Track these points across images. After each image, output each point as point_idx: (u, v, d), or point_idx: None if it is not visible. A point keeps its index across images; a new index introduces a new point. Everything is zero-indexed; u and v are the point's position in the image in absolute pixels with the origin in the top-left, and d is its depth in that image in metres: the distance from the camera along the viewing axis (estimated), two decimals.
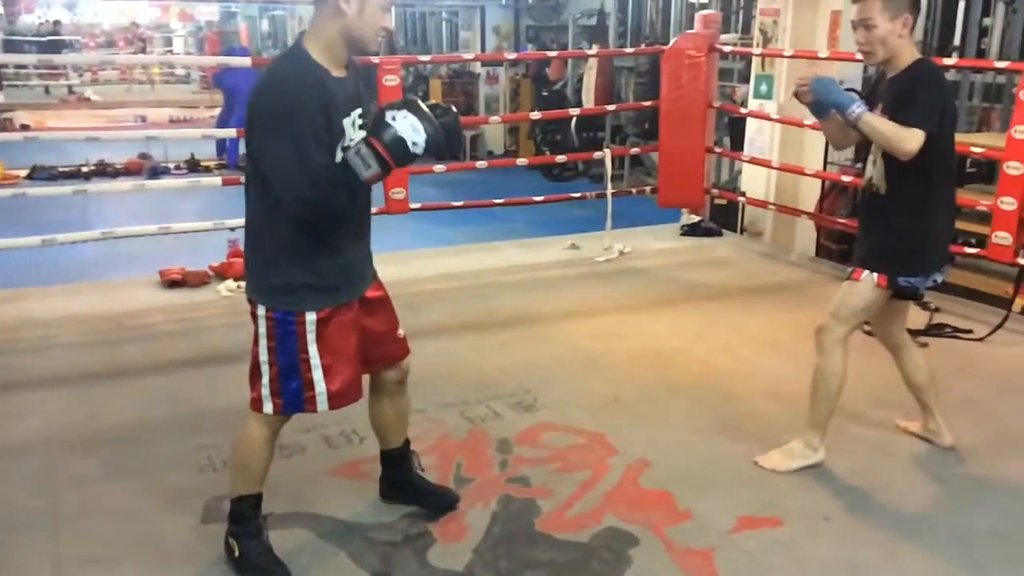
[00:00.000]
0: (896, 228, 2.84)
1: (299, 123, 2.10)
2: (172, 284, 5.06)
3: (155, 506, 2.83)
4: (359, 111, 2.28)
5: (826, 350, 2.92)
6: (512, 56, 10.02)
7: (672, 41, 6.23)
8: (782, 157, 6.04)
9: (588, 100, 10.37)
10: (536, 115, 8.12)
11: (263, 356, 2.34)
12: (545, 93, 11.32)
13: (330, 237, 2.29)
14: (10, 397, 3.63)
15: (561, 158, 7.30)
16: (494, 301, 4.91)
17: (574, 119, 9.92)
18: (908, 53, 2.76)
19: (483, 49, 12.48)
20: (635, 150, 7.73)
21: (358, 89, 2.31)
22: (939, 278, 2.96)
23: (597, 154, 5.97)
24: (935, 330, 4.36)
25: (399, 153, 2.09)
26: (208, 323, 4.55)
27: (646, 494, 2.90)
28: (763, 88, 6.29)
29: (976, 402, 3.62)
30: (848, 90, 2.95)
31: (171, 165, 10.76)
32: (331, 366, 2.34)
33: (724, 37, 7.34)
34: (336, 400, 2.38)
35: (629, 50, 9.34)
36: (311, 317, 2.30)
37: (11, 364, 3.98)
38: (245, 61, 6.76)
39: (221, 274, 5.15)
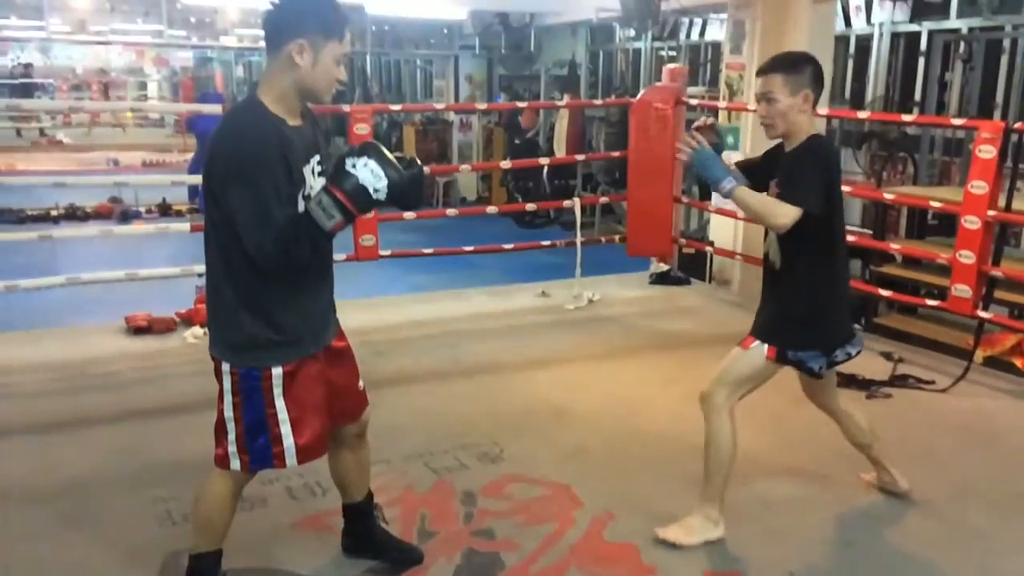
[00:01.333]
0: (788, 302, 2.81)
1: (260, 177, 2.09)
2: (138, 331, 5.01)
3: (112, 561, 2.76)
4: (317, 158, 2.27)
5: (711, 418, 2.87)
6: (484, 106, 10.16)
7: (640, 93, 6.35)
8: None
9: (560, 149, 10.50)
10: (507, 164, 8.19)
11: (228, 412, 2.31)
12: (517, 141, 11.44)
13: (292, 289, 2.27)
14: None
15: (531, 206, 7.35)
16: (462, 349, 4.90)
17: (546, 167, 10.02)
18: (806, 128, 2.74)
19: (457, 97, 12.60)
20: (605, 199, 7.82)
21: (315, 136, 2.31)
22: (852, 350, 2.88)
23: (567, 202, 6.03)
24: (899, 381, 4.42)
25: (361, 201, 2.08)
26: (174, 371, 4.50)
27: (611, 548, 2.88)
28: (729, 140, 6.41)
29: (937, 452, 3.65)
30: (738, 163, 2.98)
31: (142, 209, 10.70)
32: (299, 420, 2.31)
33: (691, 90, 7.48)
34: (304, 454, 2.34)
35: (599, 101, 9.49)
36: (277, 371, 2.27)
37: None
38: (216, 108, 6.79)
39: (188, 320, 5.11)
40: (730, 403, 2.88)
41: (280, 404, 2.28)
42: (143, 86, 24.34)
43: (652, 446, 3.66)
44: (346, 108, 5.47)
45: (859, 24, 7.90)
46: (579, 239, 5.97)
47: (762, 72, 2.73)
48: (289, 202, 2.16)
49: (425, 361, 4.69)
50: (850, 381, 4.31)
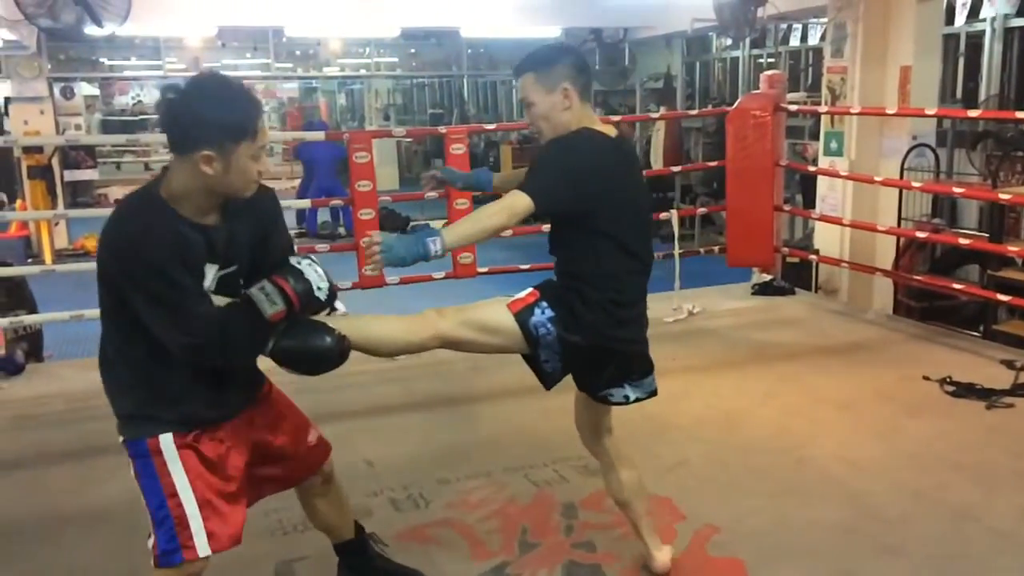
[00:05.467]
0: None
1: (157, 281, 1.88)
2: None
3: (228, 570, 2.87)
4: (215, 268, 2.02)
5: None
6: None
7: (737, 102, 6.25)
8: (855, 214, 5.95)
9: (656, 161, 10.43)
10: None
11: (143, 500, 2.06)
12: None
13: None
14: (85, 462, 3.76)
15: None
16: None
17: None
18: (575, 125, 2.37)
19: None
20: (703, 210, 7.71)
21: (229, 237, 2.02)
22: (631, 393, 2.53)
23: (665, 215, 5.98)
24: (1021, 390, 4.18)
25: (304, 293, 2.00)
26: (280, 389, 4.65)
27: (715, 562, 2.83)
28: (833, 145, 6.24)
29: None
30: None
31: None
32: (207, 501, 2.05)
33: (791, 96, 7.33)
34: (218, 541, 2.06)
35: (694, 112, 9.39)
36: (166, 440, 2.02)
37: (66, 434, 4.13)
38: (320, 135, 7.09)
39: None
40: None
41: (181, 481, 2.02)
42: None
43: (755, 459, 3.57)
44: (442, 129, 5.58)
45: (964, 20, 7.56)
46: (677, 251, 5.90)
47: (516, 74, 2.43)
48: (204, 296, 1.98)
49: (524, 375, 4.69)
50: (969, 391, 4.12)
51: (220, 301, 2.02)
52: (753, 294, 6.22)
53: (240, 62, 14.03)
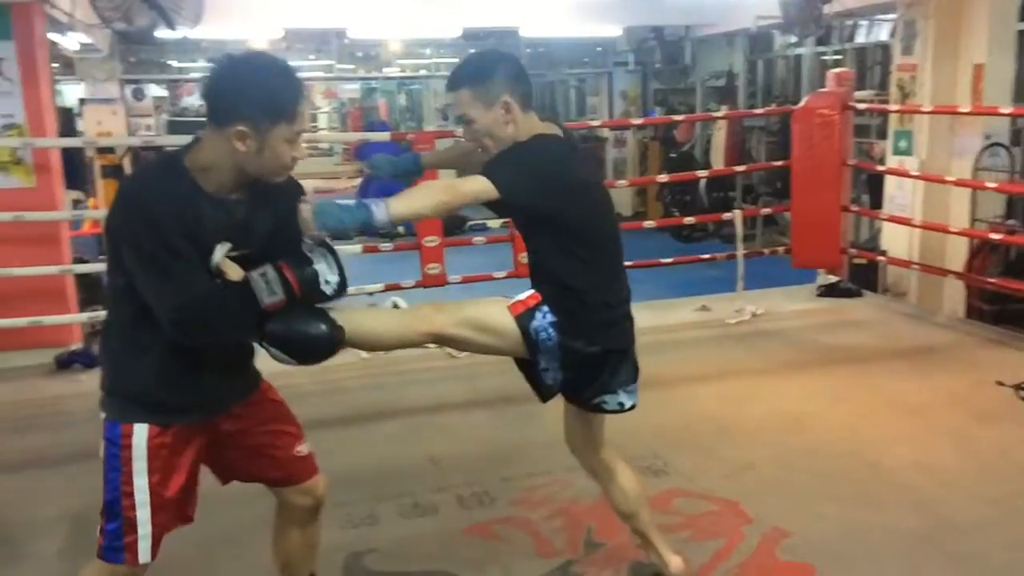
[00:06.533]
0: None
1: (159, 243, 1.82)
2: None
3: None
4: (228, 246, 1.93)
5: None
6: (640, 121, 10.13)
7: (803, 100, 6.15)
8: (925, 215, 5.81)
9: (717, 160, 10.31)
10: (664, 178, 8.13)
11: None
12: (673, 155, 11.33)
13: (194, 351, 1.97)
14: None
15: (690, 220, 7.25)
16: None
17: (703, 180, 9.87)
18: (527, 135, 2.24)
19: (611, 114, 12.63)
20: (767, 210, 7.60)
21: (248, 219, 1.96)
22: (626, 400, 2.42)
23: (727, 215, 5.91)
24: None
25: (309, 286, 1.91)
26: (348, 384, 4.72)
27: (785, 567, 2.79)
28: (902, 144, 6.10)
29: None
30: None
31: None
32: (161, 505, 1.96)
33: (859, 94, 7.18)
34: (157, 550, 1.98)
35: (759, 111, 9.26)
36: (140, 433, 1.93)
37: None
38: (384, 136, 7.17)
39: None
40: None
41: (140, 482, 1.93)
42: (314, 118, 25.83)
43: (824, 464, 3.52)
44: None
45: None
46: (741, 251, 5.84)
47: (449, 88, 2.27)
48: (202, 270, 1.90)
49: None
50: None
51: (235, 274, 1.93)
52: (819, 296, 6.12)
53: (303, 63, 14.25)
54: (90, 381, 4.85)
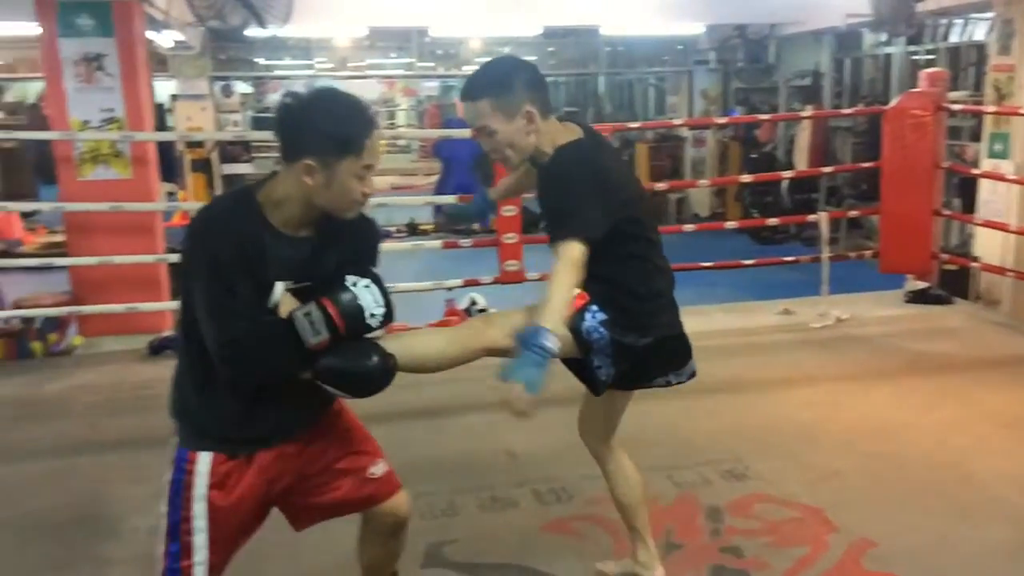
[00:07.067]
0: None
1: (215, 278, 1.84)
2: None
3: None
4: (289, 284, 1.93)
5: None
6: (723, 120, 10.00)
7: (894, 100, 5.98)
8: (1021, 220, 5.59)
9: (800, 161, 10.09)
10: (748, 178, 8.00)
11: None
12: (754, 155, 11.14)
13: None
14: None
15: (773, 221, 7.12)
16: (702, 365, 4.75)
17: (786, 181, 9.68)
18: (548, 143, 2.21)
19: (691, 113, 12.49)
20: (854, 212, 7.41)
21: (314, 256, 1.94)
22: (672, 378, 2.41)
23: (812, 217, 5.79)
24: None
25: (354, 322, 1.87)
26: (428, 377, 4.77)
27: None
28: (998, 147, 5.88)
29: None
30: None
31: (392, 229, 11.51)
32: (219, 538, 1.98)
33: (953, 94, 6.94)
34: (216, 573, 2.01)
35: (847, 111, 9.03)
36: (204, 461, 1.96)
37: None
38: (465, 133, 7.20)
39: None
40: None
41: (199, 508, 1.95)
42: (392, 115, 26.19)
43: (914, 474, 3.42)
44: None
45: None
46: (826, 254, 5.71)
47: (466, 98, 2.21)
48: (258, 309, 1.89)
49: None
50: None
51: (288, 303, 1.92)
52: (907, 302, 5.94)
53: (384, 61, 14.47)
54: None
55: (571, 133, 2.23)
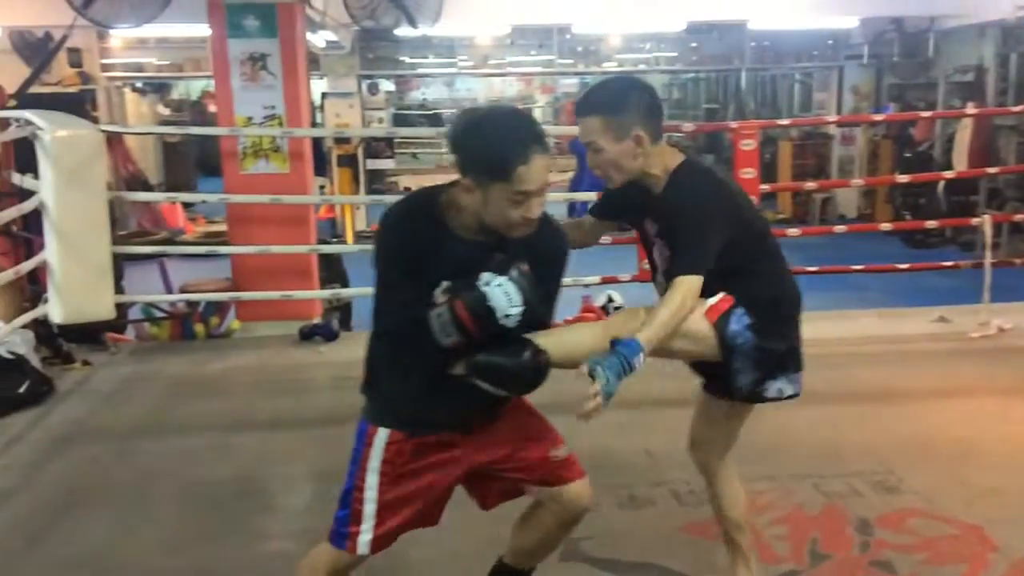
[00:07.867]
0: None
1: (384, 270, 1.99)
2: None
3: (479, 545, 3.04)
4: (447, 284, 1.97)
5: None
6: (881, 117, 9.59)
7: None
8: None
9: (960, 161, 9.51)
10: (905, 178, 7.62)
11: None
12: (908, 155, 10.58)
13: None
14: None
15: (931, 224, 6.76)
16: (850, 372, 4.65)
17: (942, 182, 9.16)
18: (659, 166, 2.20)
19: (839, 109, 12.00)
20: (1020, 216, 6.93)
21: (485, 260, 1.95)
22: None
23: (976, 220, 5.46)
24: None
25: (485, 322, 1.87)
26: (558, 374, 4.80)
27: None
28: None
29: None
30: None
31: None
32: (387, 507, 2.06)
33: None
34: (378, 544, 2.08)
35: (1015, 108, 8.45)
36: (382, 435, 2.06)
37: None
38: None
39: None
40: None
41: (371, 479, 2.05)
42: (529, 111, 26.38)
43: None
44: (733, 125, 5.49)
45: None
46: (988, 260, 5.38)
47: (579, 112, 2.20)
48: (422, 305, 1.95)
49: (811, 381, 4.49)
50: None
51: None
52: None
53: (524, 58, 14.58)
54: (329, 353, 5.27)
55: (677, 156, 2.23)
